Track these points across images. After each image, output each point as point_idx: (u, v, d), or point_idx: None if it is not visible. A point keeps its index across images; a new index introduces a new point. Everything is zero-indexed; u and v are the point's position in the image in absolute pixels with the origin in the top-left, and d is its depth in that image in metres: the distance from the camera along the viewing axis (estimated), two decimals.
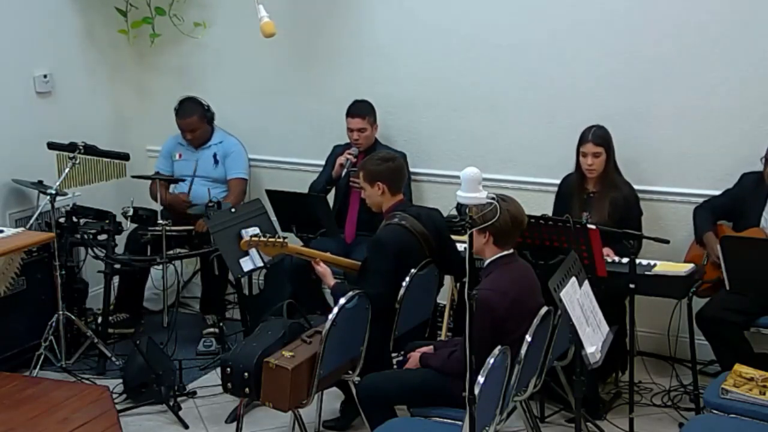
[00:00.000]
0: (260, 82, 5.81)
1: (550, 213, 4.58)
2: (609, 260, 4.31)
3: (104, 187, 5.87)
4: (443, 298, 4.68)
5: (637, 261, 4.13)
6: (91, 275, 5.42)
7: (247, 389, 3.70)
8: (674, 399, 4.57)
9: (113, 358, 4.92)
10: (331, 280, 4.17)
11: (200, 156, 5.53)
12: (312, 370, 3.67)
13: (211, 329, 5.31)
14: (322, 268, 4.19)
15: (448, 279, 4.60)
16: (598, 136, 4.58)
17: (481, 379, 3.06)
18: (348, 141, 5.25)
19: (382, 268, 4.01)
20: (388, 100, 5.36)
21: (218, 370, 4.47)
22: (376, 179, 4.18)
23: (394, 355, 4.07)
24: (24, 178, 5.18)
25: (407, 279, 3.97)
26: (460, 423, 3.25)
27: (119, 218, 5.18)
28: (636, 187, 4.78)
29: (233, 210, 4.51)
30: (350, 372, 3.94)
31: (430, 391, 3.59)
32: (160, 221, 5.00)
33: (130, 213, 5.14)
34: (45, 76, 5.45)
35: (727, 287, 4.06)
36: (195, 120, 5.44)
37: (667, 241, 4.37)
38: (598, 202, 4.60)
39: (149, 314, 5.70)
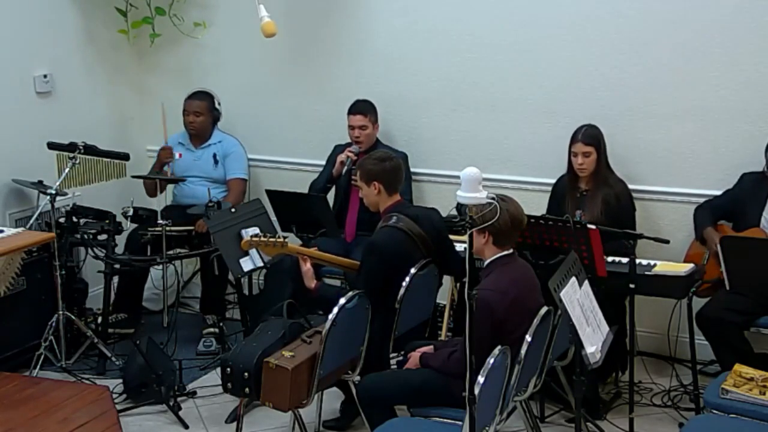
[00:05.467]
0: (260, 82, 5.81)
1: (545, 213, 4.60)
2: (609, 260, 4.31)
3: (104, 187, 5.87)
4: (443, 298, 4.68)
5: (637, 261, 4.13)
6: (91, 275, 5.42)
7: (247, 389, 3.70)
8: (674, 399, 4.57)
9: (113, 358, 4.92)
10: (311, 282, 4.13)
11: (200, 156, 5.54)
12: (312, 370, 3.67)
13: (211, 329, 5.31)
14: (307, 268, 4.16)
15: (448, 279, 4.60)
16: (587, 136, 4.60)
17: (481, 379, 3.06)
18: (349, 140, 5.26)
19: (372, 272, 4.00)
20: (388, 100, 5.36)
21: (218, 370, 4.47)
22: (373, 179, 4.17)
23: (394, 355, 4.07)
24: (24, 178, 5.18)
25: (407, 279, 3.97)
26: (460, 423, 3.26)
27: (119, 218, 5.19)
28: (636, 186, 4.80)
29: (233, 210, 4.51)
30: (350, 372, 3.94)
31: (430, 391, 3.59)
32: (160, 221, 4.99)
33: (130, 213, 5.14)
34: (45, 76, 5.45)
35: (727, 287, 4.06)
36: (203, 106, 5.47)
37: (667, 241, 4.38)
38: (591, 200, 4.62)
39: (149, 314, 5.70)
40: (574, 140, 4.64)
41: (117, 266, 5.10)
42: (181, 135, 5.62)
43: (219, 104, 5.56)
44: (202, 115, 5.49)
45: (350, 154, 5.15)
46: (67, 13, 5.61)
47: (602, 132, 4.66)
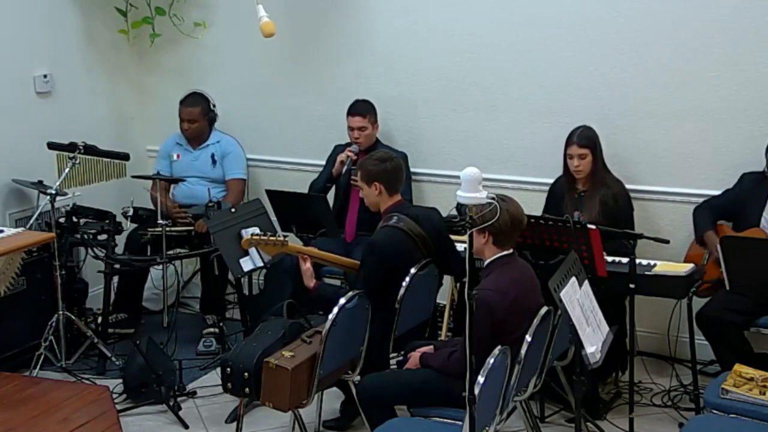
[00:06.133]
0: (260, 83, 5.81)
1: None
2: (609, 260, 4.31)
3: (104, 187, 5.87)
4: (443, 298, 4.68)
5: (637, 261, 4.13)
6: (91, 275, 5.42)
7: (247, 389, 3.70)
8: (674, 399, 4.57)
9: (113, 358, 4.92)
10: (310, 282, 4.13)
11: (198, 156, 5.54)
12: (312, 370, 3.67)
13: (211, 329, 5.31)
14: (306, 267, 4.15)
15: (448, 279, 4.60)
16: (582, 138, 4.61)
17: (481, 379, 3.06)
18: (349, 140, 5.26)
19: (372, 272, 4.01)
20: (388, 100, 5.36)
21: (218, 370, 4.47)
22: (373, 179, 4.17)
23: (394, 355, 4.07)
24: (24, 178, 5.18)
25: (407, 279, 3.97)
26: (460, 423, 3.26)
27: (119, 218, 5.19)
28: (636, 187, 4.80)
29: (233, 210, 4.52)
30: (350, 372, 3.94)
31: (430, 391, 3.59)
32: (160, 221, 4.99)
33: (130, 213, 5.15)
34: (45, 76, 5.45)
35: (727, 287, 4.06)
36: (197, 112, 5.46)
37: (667, 241, 4.37)
38: (589, 201, 4.62)
39: (149, 314, 5.70)
40: (569, 142, 4.64)
41: (117, 266, 5.10)
42: (179, 136, 5.61)
43: (214, 105, 5.54)
44: (197, 121, 5.47)
45: (350, 154, 5.15)
46: (67, 13, 5.61)
47: (597, 133, 4.66)
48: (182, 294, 5.71)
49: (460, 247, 4.35)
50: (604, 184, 4.64)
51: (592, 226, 4.06)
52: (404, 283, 3.96)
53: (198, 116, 5.47)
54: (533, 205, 4.70)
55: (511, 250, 3.66)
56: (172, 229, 5.08)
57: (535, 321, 3.46)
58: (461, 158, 5.20)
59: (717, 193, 4.68)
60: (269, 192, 5.11)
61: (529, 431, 3.89)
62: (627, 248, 4.17)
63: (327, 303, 3.82)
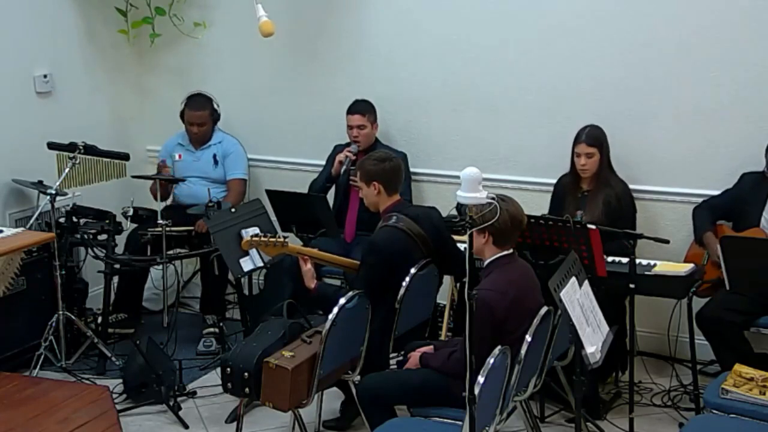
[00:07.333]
0: (260, 82, 5.81)
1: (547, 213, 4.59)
2: (609, 260, 4.31)
3: (104, 187, 5.87)
4: (443, 298, 4.68)
5: (637, 261, 4.13)
6: (91, 275, 5.42)
7: (247, 389, 3.70)
8: (674, 399, 4.57)
9: (113, 358, 4.92)
10: (311, 282, 4.13)
11: (200, 156, 5.54)
12: (312, 370, 3.67)
13: (211, 329, 5.32)
14: (307, 268, 4.15)
15: (448, 279, 4.60)
16: (591, 137, 4.61)
17: (481, 379, 3.06)
18: (348, 140, 5.26)
19: (372, 272, 4.01)
20: (388, 100, 5.36)
21: (218, 370, 4.48)
22: (373, 179, 4.17)
23: (394, 355, 4.07)
24: (24, 178, 5.18)
25: (407, 279, 3.97)
26: (460, 423, 3.25)
27: (119, 218, 5.19)
28: (636, 187, 4.79)
29: (233, 210, 4.52)
30: (350, 372, 3.94)
31: (431, 391, 3.59)
32: (160, 221, 5.00)
33: (130, 213, 5.15)
34: (45, 76, 5.45)
35: (727, 287, 4.06)
36: (206, 115, 5.48)
37: (667, 241, 4.38)
38: (592, 201, 4.62)
39: (149, 314, 5.70)
40: (577, 141, 4.65)
41: (117, 266, 5.10)
42: (181, 135, 5.62)
43: (218, 105, 5.56)
44: (206, 124, 5.50)
45: (349, 154, 5.15)
46: (67, 13, 5.61)
47: (605, 133, 4.66)
48: (182, 294, 5.72)
49: (460, 247, 4.35)
50: (607, 184, 4.64)
51: (592, 226, 4.06)
52: (404, 283, 3.96)
53: (207, 119, 5.50)
54: (533, 205, 4.70)
55: (511, 250, 3.66)
56: (172, 229, 5.08)
57: (535, 321, 3.46)
58: (461, 158, 5.20)
59: (717, 193, 4.68)
60: (269, 192, 5.11)
61: (529, 431, 3.89)
62: (627, 248, 4.17)
63: (327, 303, 3.82)
